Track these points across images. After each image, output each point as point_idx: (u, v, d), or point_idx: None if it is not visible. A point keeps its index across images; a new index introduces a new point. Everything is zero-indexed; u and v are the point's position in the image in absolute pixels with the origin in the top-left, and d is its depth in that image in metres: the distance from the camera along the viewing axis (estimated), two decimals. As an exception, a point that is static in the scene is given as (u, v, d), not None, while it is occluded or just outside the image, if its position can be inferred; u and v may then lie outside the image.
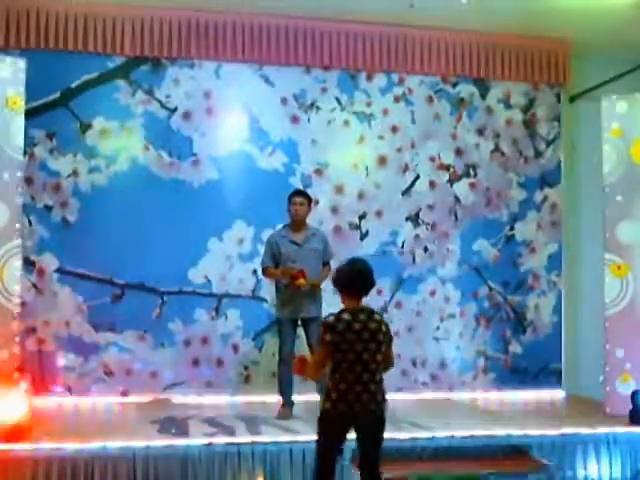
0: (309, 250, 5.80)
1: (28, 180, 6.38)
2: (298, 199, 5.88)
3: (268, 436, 5.05)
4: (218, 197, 6.85)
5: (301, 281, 5.59)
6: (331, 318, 3.88)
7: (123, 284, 6.66)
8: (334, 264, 5.25)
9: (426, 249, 7.26)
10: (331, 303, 5.37)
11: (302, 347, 5.86)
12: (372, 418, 3.86)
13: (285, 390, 5.81)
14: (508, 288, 7.42)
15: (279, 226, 6.12)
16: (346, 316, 3.86)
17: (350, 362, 3.79)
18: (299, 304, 5.72)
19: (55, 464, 4.63)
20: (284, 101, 7.04)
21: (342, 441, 3.94)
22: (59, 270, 6.55)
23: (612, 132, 6.14)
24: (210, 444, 4.86)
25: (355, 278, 3.96)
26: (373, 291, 7.03)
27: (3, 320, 5.30)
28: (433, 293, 7.25)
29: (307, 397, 5.98)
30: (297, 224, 5.87)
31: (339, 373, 3.81)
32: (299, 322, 5.83)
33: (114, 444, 4.74)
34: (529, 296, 7.46)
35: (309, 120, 7.09)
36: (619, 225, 6.09)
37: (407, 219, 7.24)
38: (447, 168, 7.34)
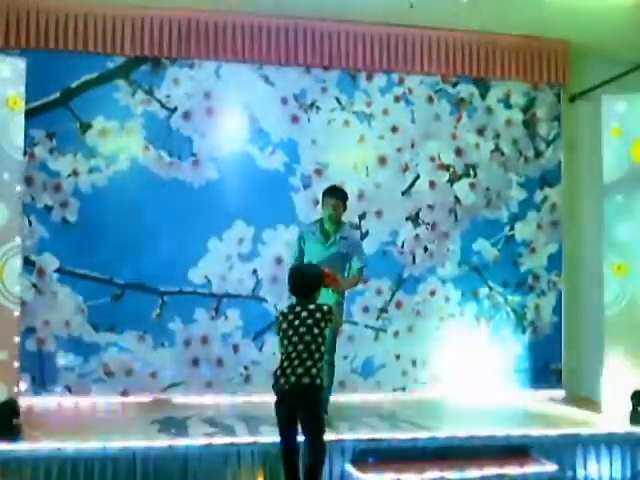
0: (334, 253, 5.54)
1: (28, 180, 6.38)
2: (332, 201, 5.61)
3: (268, 436, 5.03)
4: (218, 197, 6.85)
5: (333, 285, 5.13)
6: (280, 311, 4.67)
7: (123, 284, 6.65)
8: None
9: (426, 249, 7.26)
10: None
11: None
12: (302, 389, 4.31)
13: None
14: (508, 288, 7.42)
15: (296, 228, 5.98)
16: (285, 310, 4.57)
17: (285, 347, 4.43)
18: None
19: (55, 464, 4.62)
20: (284, 101, 7.04)
21: (290, 418, 4.37)
22: (59, 270, 6.54)
23: (612, 132, 6.14)
24: (210, 444, 4.85)
25: (291, 282, 4.61)
26: (373, 291, 7.20)
27: (3, 320, 5.30)
28: (433, 293, 7.25)
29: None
30: (330, 224, 5.64)
31: (281, 352, 4.46)
32: None
33: (114, 444, 4.73)
34: (529, 296, 7.46)
35: (309, 120, 7.09)
36: (619, 225, 6.09)
37: (407, 219, 7.24)
38: (447, 168, 7.34)
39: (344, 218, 5.82)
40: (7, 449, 4.62)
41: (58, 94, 6.62)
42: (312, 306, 4.46)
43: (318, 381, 4.34)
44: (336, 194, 5.69)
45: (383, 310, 7.13)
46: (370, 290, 7.07)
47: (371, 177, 7.18)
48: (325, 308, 4.48)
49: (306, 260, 5.61)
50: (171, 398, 6.61)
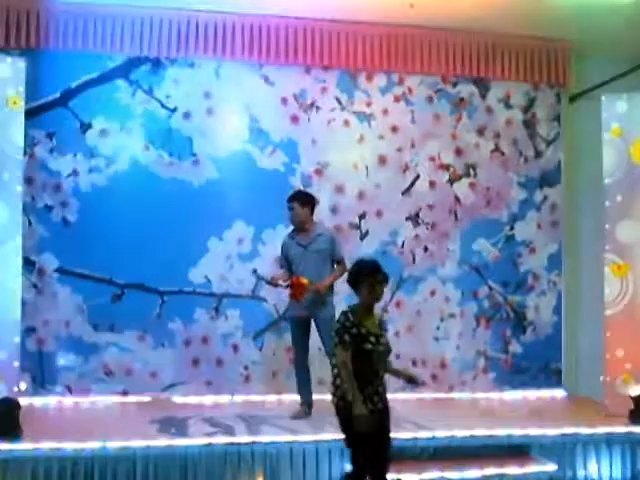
0: (313, 252, 5.74)
1: (28, 180, 6.37)
2: (290, 204, 5.87)
3: (268, 436, 5.05)
4: (218, 197, 6.85)
5: (298, 297, 5.63)
6: None
7: (123, 284, 6.65)
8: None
9: (426, 249, 7.26)
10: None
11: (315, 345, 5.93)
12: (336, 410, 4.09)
13: (302, 390, 5.83)
14: (508, 288, 7.42)
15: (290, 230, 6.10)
16: None
17: None
18: (306, 304, 5.69)
19: (55, 464, 4.63)
20: (284, 101, 7.04)
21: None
22: (59, 270, 6.55)
23: (612, 132, 6.14)
24: (210, 444, 4.85)
25: None
26: (373, 291, 7.11)
27: (3, 320, 5.30)
28: (433, 293, 7.25)
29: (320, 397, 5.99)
30: (298, 227, 5.86)
31: None
32: (311, 321, 5.80)
33: (114, 444, 4.74)
34: (529, 296, 7.45)
35: (309, 120, 7.09)
36: (619, 225, 6.09)
37: (407, 219, 7.24)
38: (447, 168, 7.34)
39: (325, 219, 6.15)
40: (7, 449, 4.63)
41: (58, 94, 6.62)
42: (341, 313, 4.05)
43: (340, 403, 4.01)
44: (293, 198, 5.91)
45: (383, 310, 7.12)
46: (370, 290, 7.06)
47: (371, 177, 7.18)
48: (341, 317, 4.03)
49: (294, 265, 5.79)
50: (171, 398, 6.61)
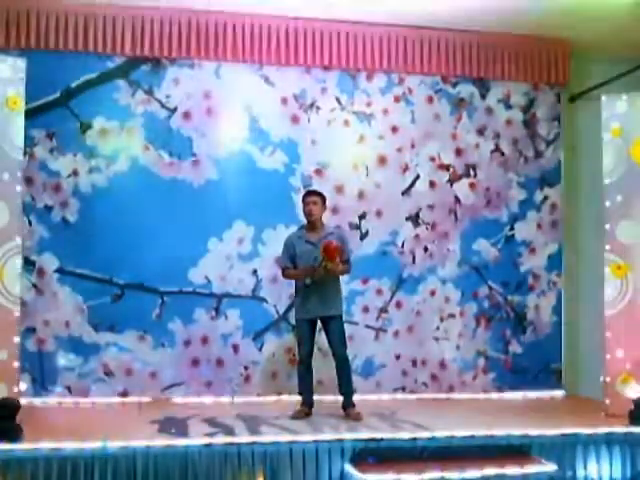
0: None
1: (28, 180, 6.38)
2: (311, 198, 5.88)
3: (268, 436, 5.04)
4: (218, 197, 6.85)
5: (335, 262, 5.58)
6: None
7: (123, 284, 6.65)
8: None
9: (426, 249, 7.26)
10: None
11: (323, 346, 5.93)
12: None
13: (304, 391, 5.83)
14: (508, 288, 7.41)
15: (296, 228, 6.13)
16: None
17: None
18: (317, 304, 5.72)
19: (55, 464, 4.62)
20: (284, 101, 7.04)
21: None
22: (59, 270, 6.55)
23: (612, 132, 6.14)
24: (210, 444, 4.85)
25: None
26: (373, 291, 7.20)
27: (3, 320, 5.30)
28: (433, 293, 7.25)
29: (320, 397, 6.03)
30: (312, 224, 5.87)
31: None
32: (318, 322, 5.83)
33: (114, 444, 4.73)
34: (529, 296, 7.45)
35: (309, 120, 7.09)
36: (619, 225, 6.09)
37: (407, 219, 7.23)
38: (447, 168, 7.33)
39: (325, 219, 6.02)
40: (7, 449, 4.62)
41: (58, 94, 6.62)
42: None
43: None
44: (315, 192, 5.99)
45: (383, 310, 7.13)
46: (370, 290, 7.07)
47: (371, 177, 7.18)
48: None
49: (301, 262, 5.77)
50: (171, 398, 6.61)
